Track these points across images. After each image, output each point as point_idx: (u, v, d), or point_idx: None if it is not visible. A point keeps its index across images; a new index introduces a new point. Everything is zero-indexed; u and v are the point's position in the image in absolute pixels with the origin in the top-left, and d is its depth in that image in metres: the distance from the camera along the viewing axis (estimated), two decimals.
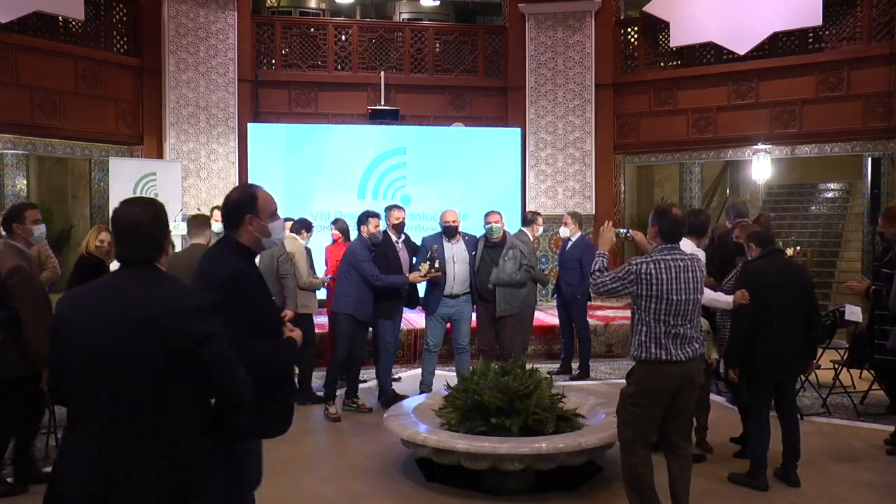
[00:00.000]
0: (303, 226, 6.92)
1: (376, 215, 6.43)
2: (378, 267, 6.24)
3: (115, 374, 2.06)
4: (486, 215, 6.58)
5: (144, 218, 2.21)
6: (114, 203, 9.28)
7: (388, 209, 6.66)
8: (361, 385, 6.74)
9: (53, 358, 2.18)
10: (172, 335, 2.06)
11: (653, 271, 3.58)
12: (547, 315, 9.52)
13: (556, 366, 7.95)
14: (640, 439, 3.69)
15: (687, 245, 5.16)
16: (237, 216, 2.78)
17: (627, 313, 9.74)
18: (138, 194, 9.20)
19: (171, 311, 2.09)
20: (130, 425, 2.06)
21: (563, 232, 7.73)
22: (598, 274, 3.75)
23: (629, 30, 11.81)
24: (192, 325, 2.08)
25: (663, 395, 3.63)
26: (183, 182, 10.37)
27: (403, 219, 6.59)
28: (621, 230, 4.28)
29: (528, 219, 7.72)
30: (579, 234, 7.69)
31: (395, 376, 7.56)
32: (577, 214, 7.91)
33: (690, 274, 3.65)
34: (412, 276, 6.28)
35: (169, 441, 2.08)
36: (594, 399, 5.28)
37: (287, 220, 7.42)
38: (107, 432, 2.06)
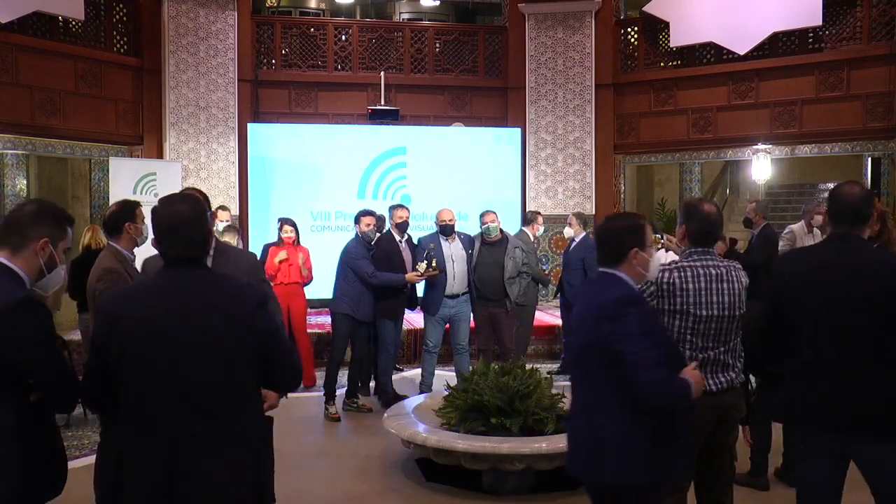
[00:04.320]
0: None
1: (369, 214, 6.43)
2: (381, 266, 6.24)
3: (198, 375, 2.09)
4: (482, 215, 6.58)
5: (192, 217, 2.21)
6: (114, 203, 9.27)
7: (392, 208, 6.67)
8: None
9: (109, 363, 2.13)
10: (246, 330, 2.13)
11: (676, 281, 2.94)
12: (547, 315, 9.53)
13: (556, 365, 7.95)
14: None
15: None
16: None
17: None
18: (138, 194, 9.27)
19: (242, 308, 2.15)
20: (204, 420, 2.10)
21: (567, 232, 7.77)
22: None
23: (629, 30, 11.80)
24: (260, 320, 2.17)
25: (696, 434, 2.96)
26: (183, 182, 10.34)
27: (407, 218, 6.59)
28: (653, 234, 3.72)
29: (528, 218, 7.75)
30: (583, 234, 7.70)
31: (399, 367, 7.73)
32: (581, 215, 7.92)
33: (726, 285, 2.98)
34: (409, 276, 6.27)
35: (240, 429, 2.17)
36: None
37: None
38: (178, 428, 2.08)
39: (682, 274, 2.96)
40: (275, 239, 7.48)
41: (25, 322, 2.16)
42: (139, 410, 2.12)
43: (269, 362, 2.19)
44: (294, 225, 7.24)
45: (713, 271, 2.97)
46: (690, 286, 2.93)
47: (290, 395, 6.90)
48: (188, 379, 2.09)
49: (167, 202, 2.27)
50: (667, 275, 2.95)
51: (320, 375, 7.17)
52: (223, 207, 8.22)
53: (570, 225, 7.75)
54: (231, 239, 7.16)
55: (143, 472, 2.09)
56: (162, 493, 2.08)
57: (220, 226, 7.27)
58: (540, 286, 7.85)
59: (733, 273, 3.02)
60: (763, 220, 7.43)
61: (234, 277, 2.33)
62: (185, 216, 2.20)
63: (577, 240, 7.66)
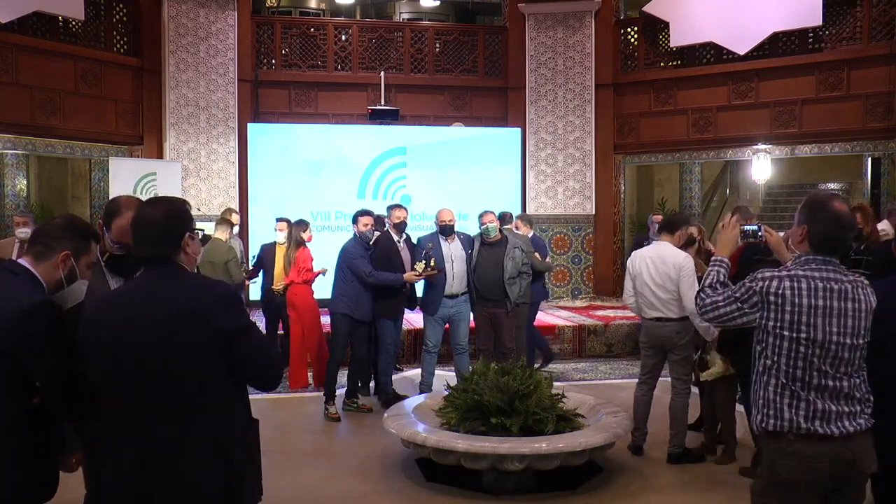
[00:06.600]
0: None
1: (367, 214, 6.42)
2: (380, 266, 6.23)
3: (161, 374, 2.09)
4: (481, 215, 6.57)
5: (157, 216, 2.22)
6: None
7: (390, 208, 6.67)
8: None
9: (88, 367, 2.17)
10: (207, 328, 2.11)
11: (787, 292, 2.38)
12: (546, 315, 9.53)
13: (556, 366, 7.95)
14: None
15: (667, 248, 5.14)
16: None
17: (628, 313, 9.75)
18: (138, 194, 9.28)
19: (203, 306, 2.13)
20: (176, 423, 2.10)
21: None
22: (708, 292, 2.58)
23: (629, 30, 11.80)
24: (223, 318, 2.13)
25: (811, 495, 2.39)
26: (183, 182, 10.37)
27: (405, 218, 6.59)
28: (748, 227, 2.90)
29: (506, 218, 7.61)
30: (531, 233, 7.75)
31: (399, 367, 7.73)
32: (525, 216, 8.02)
33: (851, 304, 2.40)
34: (407, 276, 6.26)
35: (213, 434, 2.14)
36: (594, 399, 5.28)
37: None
38: (151, 432, 2.10)
39: (796, 283, 2.40)
40: (275, 239, 7.47)
41: (38, 325, 2.18)
42: (112, 413, 2.15)
43: (238, 362, 2.16)
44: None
45: (835, 286, 2.40)
46: (805, 300, 2.38)
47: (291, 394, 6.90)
48: (154, 379, 2.09)
49: (141, 205, 2.30)
50: (775, 283, 2.41)
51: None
52: (233, 210, 8.36)
53: (516, 227, 7.75)
54: (222, 235, 7.23)
55: (117, 473, 2.13)
56: (133, 493, 2.10)
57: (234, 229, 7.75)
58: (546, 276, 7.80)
59: (860, 290, 2.44)
60: None
61: (204, 276, 2.34)
62: (150, 217, 2.21)
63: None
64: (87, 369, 2.18)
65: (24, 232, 6.68)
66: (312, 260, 6.93)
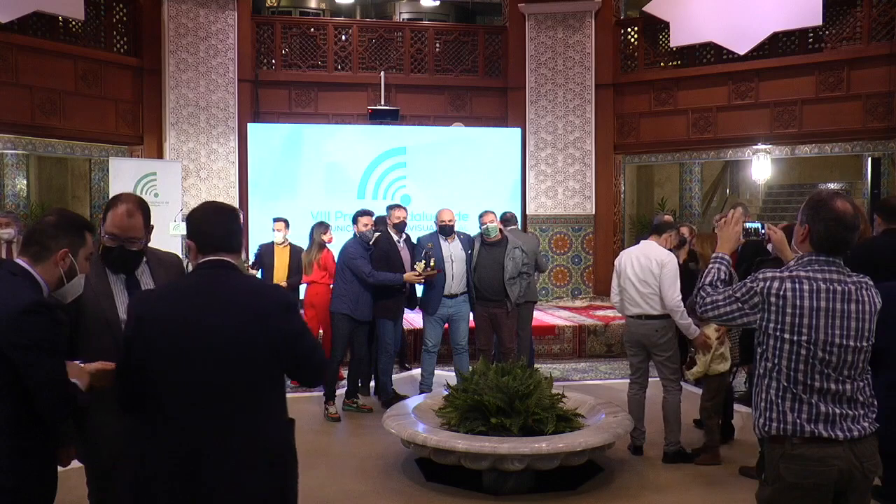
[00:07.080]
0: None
1: (367, 214, 6.43)
2: (380, 266, 6.24)
3: (213, 372, 2.13)
4: (482, 215, 6.57)
5: (231, 220, 2.32)
6: None
7: (390, 208, 6.68)
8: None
9: (136, 361, 2.20)
10: (265, 329, 2.16)
11: (788, 294, 2.35)
12: (546, 315, 9.54)
13: (556, 366, 7.95)
14: None
15: (652, 246, 5.16)
16: None
17: None
18: (138, 194, 9.26)
19: (262, 308, 2.20)
20: (225, 421, 2.13)
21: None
22: (708, 290, 2.55)
23: (629, 30, 11.80)
24: (284, 321, 2.21)
25: (816, 499, 2.36)
26: (183, 182, 10.36)
27: (405, 218, 6.60)
28: (751, 224, 2.84)
29: (507, 218, 7.59)
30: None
31: (408, 366, 7.79)
32: (513, 216, 7.94)
33: (855, 306, 2.36)
34: (407, 276, 6.27)
35: (262, 432, 2.18)
36: (594, 399, 5.28)
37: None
38: (199, 429, 2.12)
39: (797, 285, 2.36)
40: (272, 239, 7.47)
41: (32, 326, 2.19)
42: (161, 406, 2.17)
43: (294, 362, 2.26)
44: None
45: (838, 287, 2.36)
46: (807, 302, 2.34)
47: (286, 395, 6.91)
48: (206, 374, 2.13)
49: (212, 207, 2.38)
50: (776, 284, 2.37)
51: None
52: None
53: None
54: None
55: (162, 467, 2.13)
56: (181, 488, 2.11)
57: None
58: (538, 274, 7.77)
59: (864, 292, 2.40)
60: None
61: (260, 279, 2.43)
62: (224, 218, 2.32)
63: None
64: (134, 364, 2.20)
65: (7, 233, 6.58)
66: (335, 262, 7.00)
